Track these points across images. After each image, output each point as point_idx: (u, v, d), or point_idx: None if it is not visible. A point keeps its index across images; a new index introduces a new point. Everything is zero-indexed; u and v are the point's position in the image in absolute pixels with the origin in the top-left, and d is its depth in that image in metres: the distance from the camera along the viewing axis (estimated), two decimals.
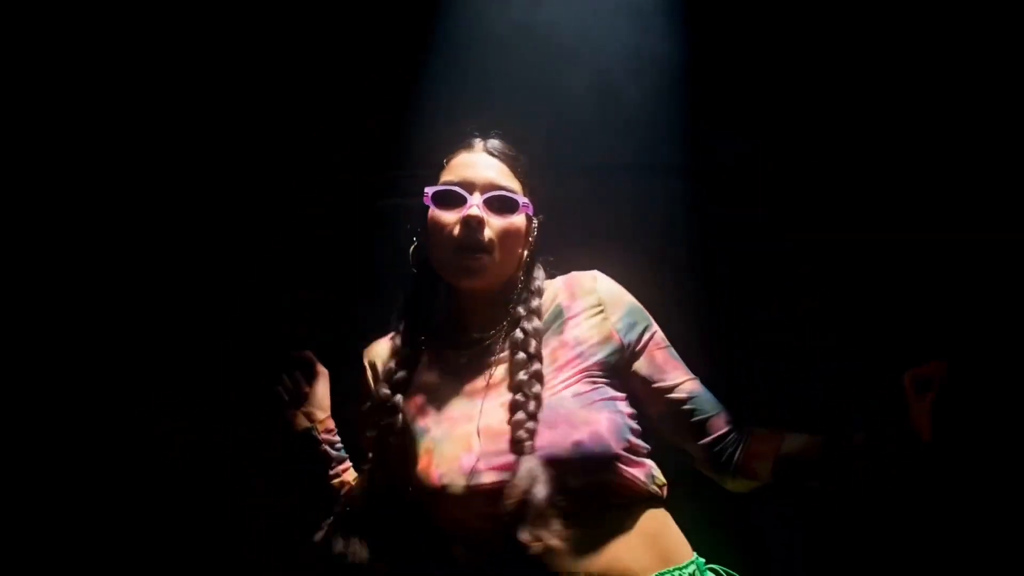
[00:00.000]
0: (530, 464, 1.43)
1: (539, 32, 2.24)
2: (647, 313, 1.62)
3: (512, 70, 2.23)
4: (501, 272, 1.58)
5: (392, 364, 1.61)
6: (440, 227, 1.56)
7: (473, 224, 1.53)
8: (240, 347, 2.25)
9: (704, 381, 1.63)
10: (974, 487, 2.15)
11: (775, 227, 2.20)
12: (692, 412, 1.59)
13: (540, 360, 1.55)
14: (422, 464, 1.51)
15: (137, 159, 2.25)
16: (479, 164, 1.59)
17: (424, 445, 1.53)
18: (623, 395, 1.56)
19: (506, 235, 1.56)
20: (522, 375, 1.52)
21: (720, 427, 1.59)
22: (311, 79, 2.27)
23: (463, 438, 1.51)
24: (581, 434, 1.46)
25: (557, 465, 1.45)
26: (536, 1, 2.24)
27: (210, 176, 2.26)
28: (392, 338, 1.65)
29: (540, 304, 1.61)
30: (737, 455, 1.58)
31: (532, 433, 1.46)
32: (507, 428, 1.49)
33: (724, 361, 2.14)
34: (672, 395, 1.59)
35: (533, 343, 1.55)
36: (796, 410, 2.14)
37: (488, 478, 1.46)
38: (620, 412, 1.53)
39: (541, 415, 1.48)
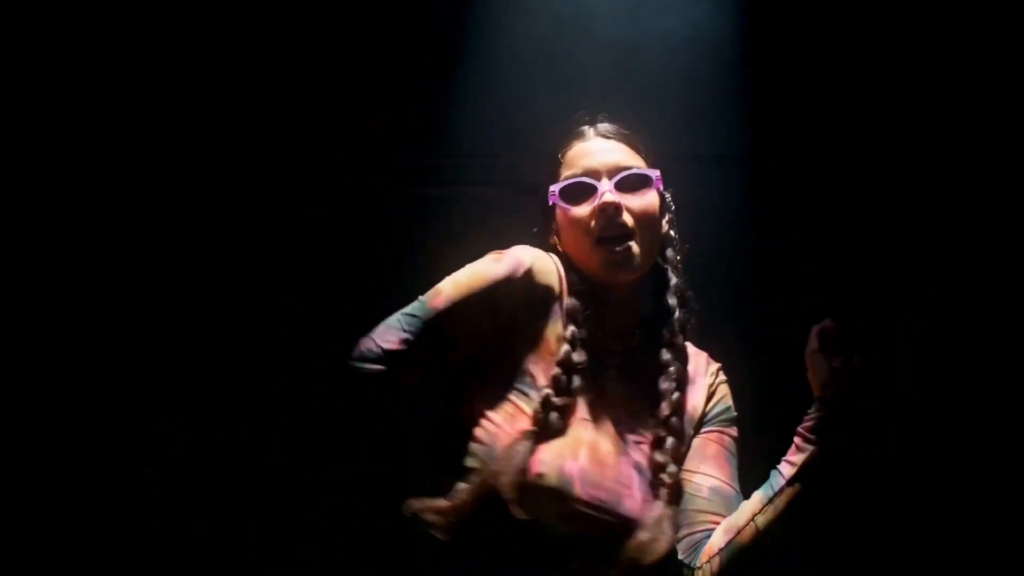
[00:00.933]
0: (669, 521, 1.38)
1: (577, 23, 2.24)
2: (735, 418, 1.57)
3: (548, 61, 2.22)
4: (648, 257, 1.49)
5: (567, 326, 1.44)
6: (575, 223, 1.47)
7: (610, 211, 1.44)
8: (243, 346, 2.23)
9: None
10: (975, 486, 2.15)
11: (827, 219, 2.21)
12: (698, 503, 1.48)
13: (684, 388, 1.49)
14: (498, 428, 1.40)
15: (142, 159, 2.24)
16: (599, 150, 1.51)
17: (522, 403, 1.41)
18: None
19: (645, 215, 1.48)
20: (669, 412, 1.46)
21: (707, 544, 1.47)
22: (327, 73, 2.26)
23: (573, 442, 1.40)
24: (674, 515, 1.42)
25: (629, 533, 1.38)
26: None
27: (212, 174, 2.26)
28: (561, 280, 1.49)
29: (684, 317, 1.53)
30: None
31: (674, 481, 1.41)
32: (614, 455, 1.42)
33: (773, 352, 2.15)
34: (692, 479, 1.49)
35: (679, 368, 1.49)
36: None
37: (576, 498, 1.37)
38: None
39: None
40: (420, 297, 1.45)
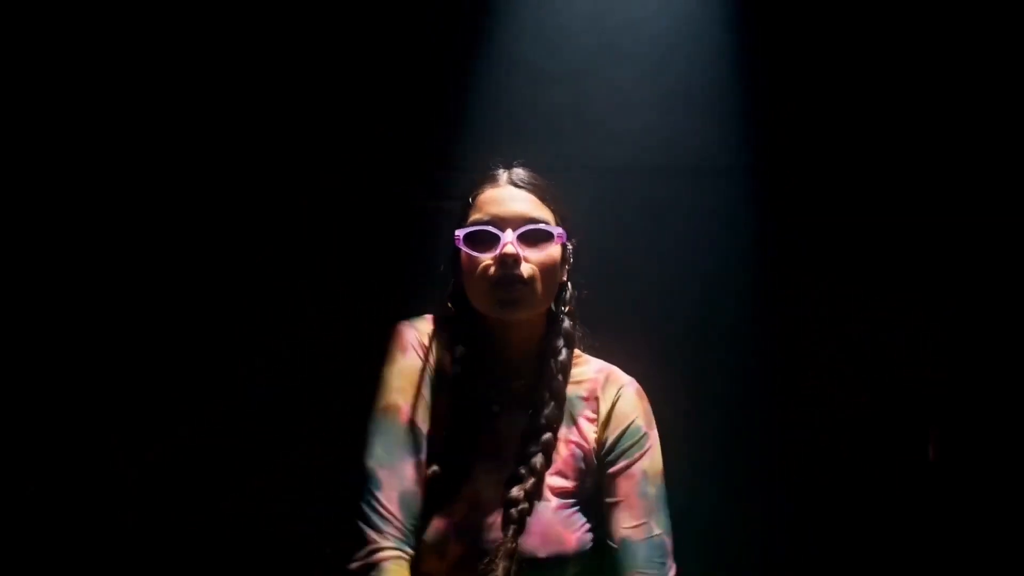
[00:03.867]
0: (504, 553, 1.42)
1: (589, 33, 2.23)
2: (646, 440, 1.55)
3: (562, 71, 2.22)
4: (538, 304, 1.54)
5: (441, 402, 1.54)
6: (475, 267, 1.52)
7: (509, 262, 1.49)
8: (257, 356, 2.24)
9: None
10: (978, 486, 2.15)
11: (838, 210, 2.21)
12: (632, 549, 1.50)
13: (556, 432, 1.53)
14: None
15: (156, 166, 2.24)
16: (507, 199, 1.54)
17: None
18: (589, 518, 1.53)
19: (544, 267, 1.52)
20: (532, 447, 1.51)
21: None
22: (344, 83, 2.26)
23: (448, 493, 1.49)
24: (547, 551, 1.45)
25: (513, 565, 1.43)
26: (586, 5, 2.23)
27: (227, 183, 2.25)
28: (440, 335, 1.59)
29: (568, 358, 1.57)
30: None
31: (523, 516, 1.45)
32: (498, 496, 1.48)
33: (779, 357, 2.17)
34: (628, 529, 1.51)
35: (553, 407, 1.53)
36: (849, 414, 2.17)
37: (461, 548, 1.45)
38: (590, 533, 1.51)
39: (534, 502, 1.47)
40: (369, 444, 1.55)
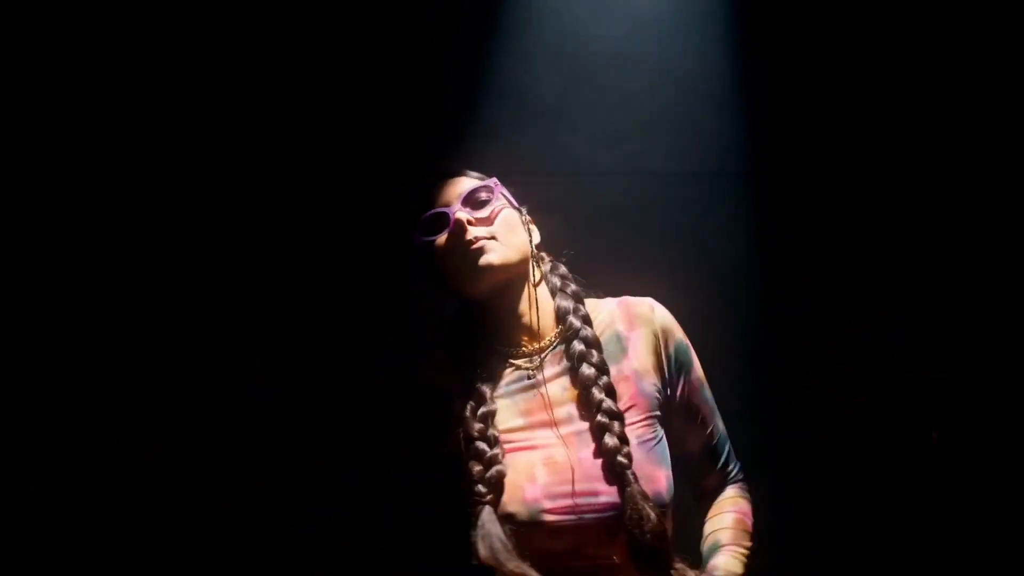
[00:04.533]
0: (640, 499, 1.41)
1: (591, 34, 2.23)
2: (691, 349, 1.63)
3: (563, 74, 2.22)
4: (505, 257, 1.55)
5: (469, 394, 1.54)
6: (439, 251, 1.57)
7: (462, 226, 1.54)
8: (261, 357, 2.23)
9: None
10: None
11: (838, 210, 2.22)
12: (712, 451, 1.64)
13: (607, 371, 1.53)
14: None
15: (151, 160, 2.24)
16: (446, 186, 1.62)
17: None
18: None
19: (493, 220, 1.57)
20: (595, 393, 1.50)
21: (713, 477, 1.66)
22: (350, 86, 2.26)
23: (526, 467, 1.47)
24: (650, 492, 1.43)
25: (618, 521, 1.42)
26: (590, 8, 2.23)
27: (236, 177, 2.25)
28: (443, 359, 1.62)
29: (587, 311, 1.59)
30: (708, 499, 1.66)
31: (629, 461, 1.44)
32: (573, 456, 1.46)
33: (779, 362, 2.17)
34: (696, 437, 1.62)
35: (595, 354, 1.54)
36: (849, 414, 2.17)
37: (552, 516, 1.43)
38: (669, 460, 1.52)
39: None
40: None
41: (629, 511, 1.40)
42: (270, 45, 2.24)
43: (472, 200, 1.57)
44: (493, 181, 1.61)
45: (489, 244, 1.53)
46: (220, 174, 2.25)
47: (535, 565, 1.39)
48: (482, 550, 1.39)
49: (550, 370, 1.56)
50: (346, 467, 2.14)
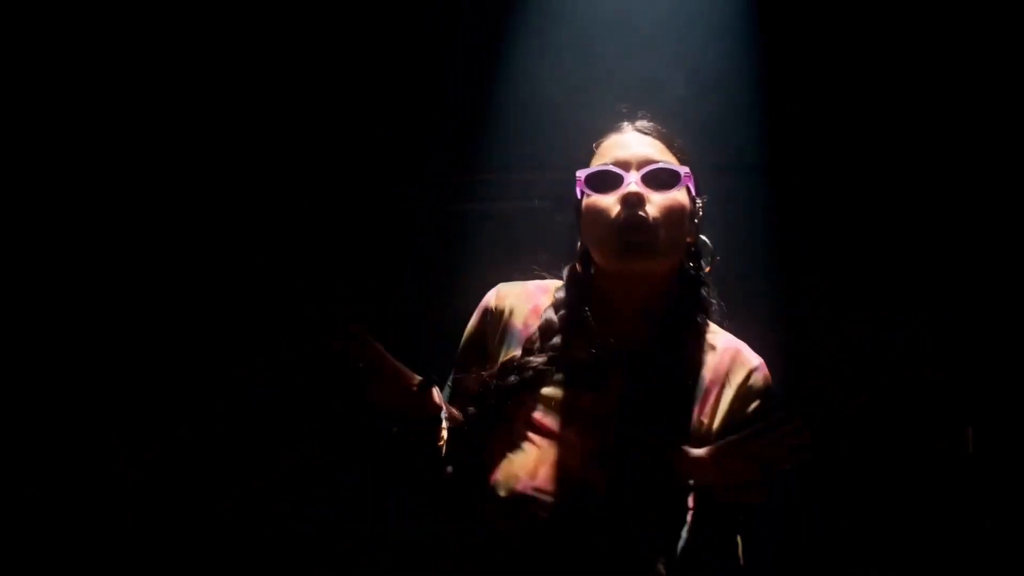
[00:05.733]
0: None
1: (599, 32, 2.23)
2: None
3: (572, 72, 2.21)
4: (669, 253, 1.43)
5: (540, 331, 1.43)
6: (597, 210, 1.42)
7: (633, 200, 1.39)
8: (270, 361, 2.24)
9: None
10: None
11: (840, 210, 2.21)
12: None
13: (690, 415, 1.39)
14: (488, 454, 1.38)
15: (152, 160, 2.24)
16: (632, 143, 1.47)
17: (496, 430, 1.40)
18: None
19: (670, 211, 1.42)
20: (697, 412, 1.39)
21: None
22: (360, 88, 2.27)
23: (534, 459, 1.37)
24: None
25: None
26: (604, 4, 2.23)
27: (236, 177, 2.26)
28: (537, 296, 1.49)
29: (703, 325, 1.45)
30: None
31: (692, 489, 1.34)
32: (583, 467, 1.35)
33: (794, 355, 2.15)
34: None
35: (688, 383, 1.41)
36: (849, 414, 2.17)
37: (541, 507, 1.33)
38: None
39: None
40: None
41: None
42: (270, 45, 2.25)
43: (655, 176, 1.43)
44: (686, 172, 1.45)
45: (652, 236, 1.39)
46: (220, 175, 2.25)
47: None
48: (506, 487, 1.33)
49: (635, 370, 1.42)
50: (346, 467, 2.14)
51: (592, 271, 1.47)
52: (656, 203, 1.41)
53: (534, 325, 1.45)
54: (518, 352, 1.43)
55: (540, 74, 2.20)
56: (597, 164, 1.46)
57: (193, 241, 2.24)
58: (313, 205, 2.25)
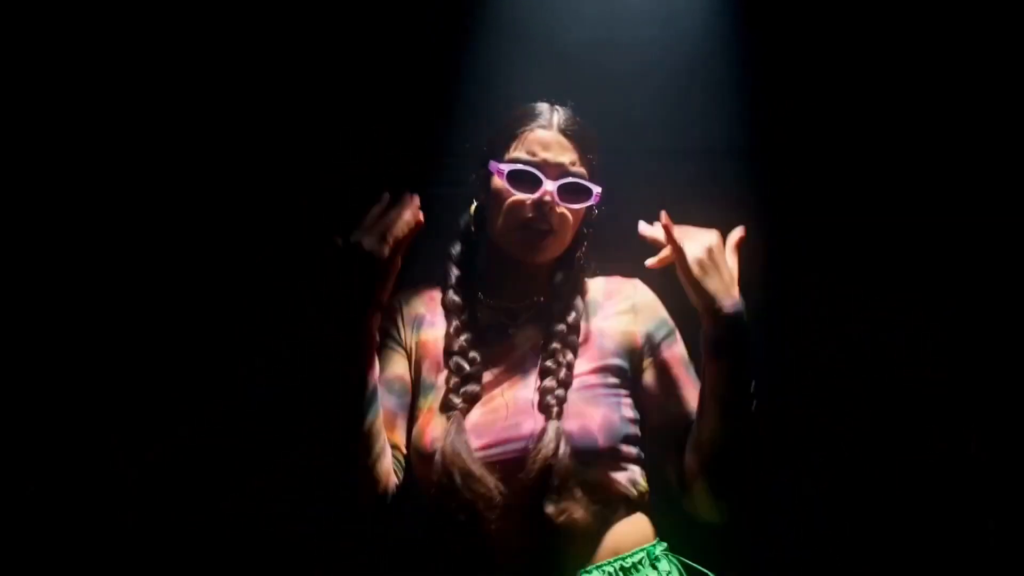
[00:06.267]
0: (553, 430, 1.43)
1: (595, 15, 2.23)
2: (674, 328, 1.61)
3: (567, 52, 2.20)
4: (559, 249, 1.60)
5: (448, 319, 1.59)
6: (511, 204, 1.56)
7: (546, 210, 1.54)
8: (246, 349, 2.24)
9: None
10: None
11: (839, 210, 2.22)
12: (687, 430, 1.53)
13: (578, 333, 1.57)
14: (420, 423, 1.53)
15: (151, 159, 2.25)
16: (555, 145, 1.57)
17: (427, 402, 1.55)
18: (628, 397, 1.55)
19: (575, 219, 1.58)
20: (556, 344, 1.55)
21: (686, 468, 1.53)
22: (334, 75, 2.26)
23: (474, 416, 1.50)
24: (571, 425, 1.46)
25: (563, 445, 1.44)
26: None
27: (235, 176, 2.26)
28: (425, 289, 1.67)
29: (583, 282, 1.64)
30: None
31: (560, 401, 1.48)
32: (512, 398, 1.50)
33: (782, 345, 2.16)
34: (674, 411, 1.55)
35: (573, 314, 1.58)
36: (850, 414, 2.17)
37: (482, 449, 1.45)
38: (619, 411, 1.52)
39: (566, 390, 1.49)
40: None
41: (536, 442, 1.43)
42: (270, 44, 2.25)
43: (570, 189, 1.57)
44: (598, 192, 1.59)
45: (551, 241, 1.56)
46: (220, 175, 2.25)
47: (461, 502, 1.41)
48: (447, 451, 1.42)
49: (528, 324, 1.61)
50: (346, 467, 2.14)
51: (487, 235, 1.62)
52: (563, 212, 1.56)
53: (432, 307, 1.63)
54: (431, 332, 1.60)
55: (513, 56, 2.20)
56: (517, 156, 1.57)
57: (193, 241, 2.24)
58: (313, 205, 2.25)
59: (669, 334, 1.60)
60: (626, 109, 2.18)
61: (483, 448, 1.45)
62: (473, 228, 1.65)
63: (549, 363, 1.52)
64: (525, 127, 1.59)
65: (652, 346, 1.58)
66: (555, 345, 1.54)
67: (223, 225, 2.25)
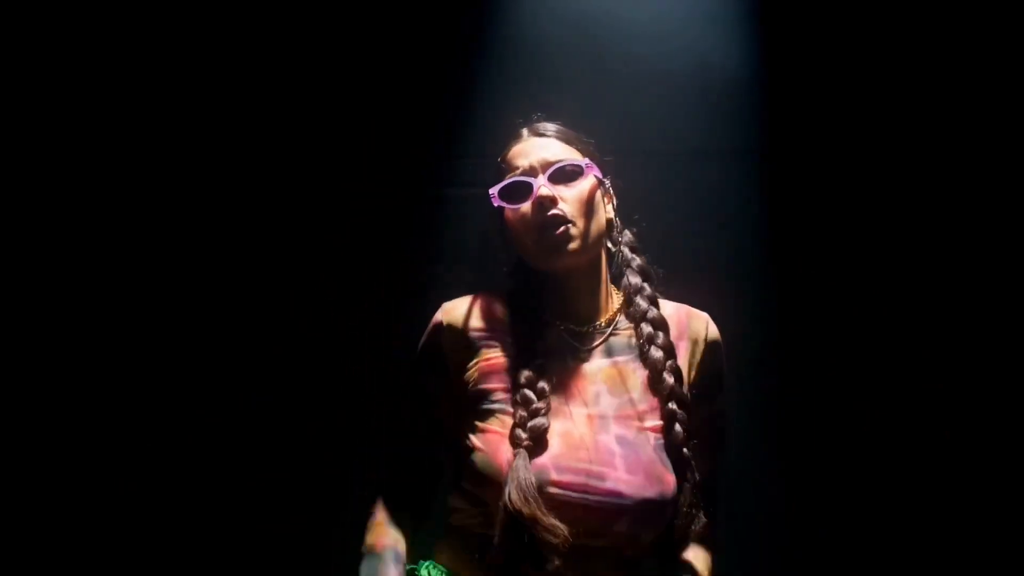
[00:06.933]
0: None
1: (604, 16, 2.22)
2: (724, 382, 1.60)
3: (576, 54, 2.21)
4: (587, 241, 1.54)
5: (515, 344, 1.53)
6: (516, 220, 1.54)
7: (546, 203, 1.51)
8: (263, 348, 2.24)
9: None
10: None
11: (847, 213, 2.20)
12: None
13: (674, 354, 1.53)
14: (489, 441, 1.46)
15: (151, 159, 2.25)
16: (531, 149, 1.58)
17: (494, 421, 1.48)
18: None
19: (580, 202, 1.53)
20: (667, 378, 1.50)
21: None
22: (347, 76, 2.26)
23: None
24: (653, 491, 1.43)
25: (619, 510, 1.42)
26: None
27: (235, 176, 2.25)
28: (482, 299, 1.60)
29: (652, 289, 1.59)
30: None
31: (693, 452, 1.49)
32: (591, 436, 1.45)
33: (787, 347, 2.17)
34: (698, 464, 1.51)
35: (662, 336, 1.53)
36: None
37: (556, 488, 1.41)
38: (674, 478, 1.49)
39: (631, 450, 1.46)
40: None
41: (682, 502, 1.45)
42: (269, 43, 2.25)
43: (560, 174, 1.54)
44: (587, 162, 1.56)
45: (569, 230, 1.51)
46: (220, 175, 2.25)
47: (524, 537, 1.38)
48: (514, 493, 1.37)
49: (595, 349, 1.55)
50: (346, 467, 2.14)
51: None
52: (567, 198, 1.53)
53: (493, 325, 1.56)
54: (492, 353, 1.53)
55: (523, 57, 2.20)
56: (506, 177, 1.56)
57: (192, 242, 2.24)
58: (313, 205, 2.25)
59: (719, 386, 1.59)
60: (636, 110, 2.20)
61: (561, 486, 1.41)
62: (513, 272, 1.62)
63: (672, 406, 1.48)
64: (505, 152, 1.61)
65: (701, 396, 1.55)
66: (667, 380, 1.49)
67: (223, 226, 2.25)
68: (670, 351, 1.53)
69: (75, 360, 2.20)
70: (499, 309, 1.58)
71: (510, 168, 1.57)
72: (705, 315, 1.61)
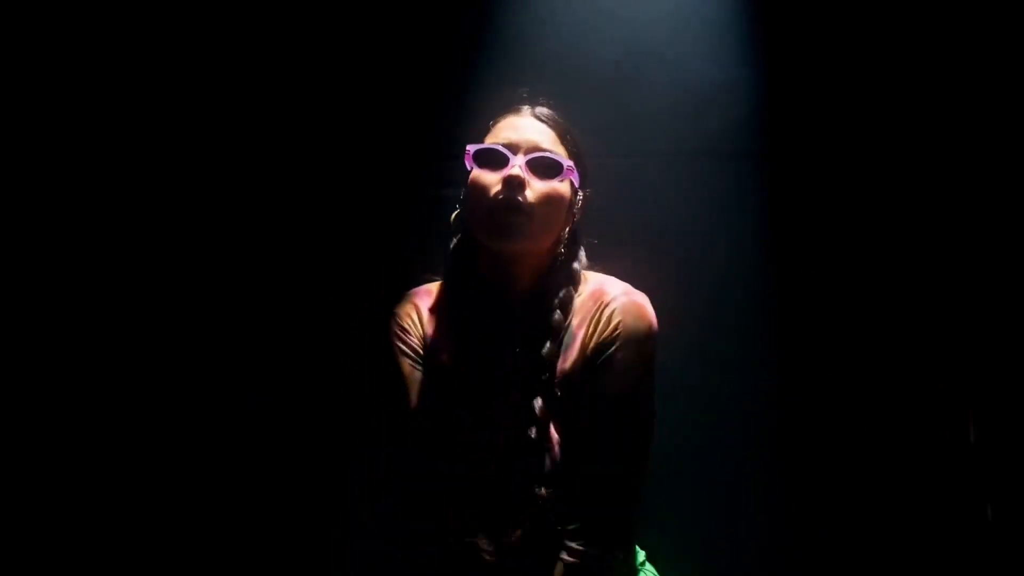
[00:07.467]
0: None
1: (606, 17, 2.22)
2: (646, 355, 1.52)
3: (576, 54, 2.21)
4: (539, 238, 1.52)
5: (447, 318, 1.57)
6: (480, 187, 1.51)
7: (514, 184, 1.47)
8: (263, 348, 2.24)
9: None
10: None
11: (846, 214, 2.20)
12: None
13: (553, 371, 1.50)
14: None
15: (151, 159, 2.25)
16: (525, 127, 1.55)
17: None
18: None
19: (547, 199, 1.50)
20: (534, 389, 1.51)
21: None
22: (349, 75, 2.26)
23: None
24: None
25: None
26: None
27: (235, 176, 2.26)
28: (424, 299, 1.62)
29: (572, 296, 1.54)
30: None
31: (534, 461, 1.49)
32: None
33: (786, 345, 2.16)
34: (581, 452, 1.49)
35: (549, 345, 1.50)
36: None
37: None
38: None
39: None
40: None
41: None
42: (271, 44, 2.25)
43: (540, 163, 1.51)
44: (569, 165, 1.53)
45: (523, 221, 1.48)
46: (220, 175, 2.25)
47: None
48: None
49: (530, 343, 1.54)
50: (346, 467, 2.14)
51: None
52: (536, 189, 1.49)
53: (436, 324, 1.57)
54: (441, 354, 1.55)
55: (521, 57, 2.20)
56: (488, 142, 1.54)
57: (192, 242, 2.24)
58: (313, 205, 2.25)
59: (618, 365, 1.50)
60: (636, 111, 2.20)
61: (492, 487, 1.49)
62: (455, 236, 1.61)
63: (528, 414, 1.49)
64: (499, 117, 1.58)
65: (600, 360, 1.50)
66: (533, 392, 1.49)
67: (223, 226, 2.25)
68: (551, 358, 1.50)
69: (75, 360, 2.20)
70: (429, 305, 1.60)
71: (495, 135, 1.55)
72: (623, 289, 1.54)
